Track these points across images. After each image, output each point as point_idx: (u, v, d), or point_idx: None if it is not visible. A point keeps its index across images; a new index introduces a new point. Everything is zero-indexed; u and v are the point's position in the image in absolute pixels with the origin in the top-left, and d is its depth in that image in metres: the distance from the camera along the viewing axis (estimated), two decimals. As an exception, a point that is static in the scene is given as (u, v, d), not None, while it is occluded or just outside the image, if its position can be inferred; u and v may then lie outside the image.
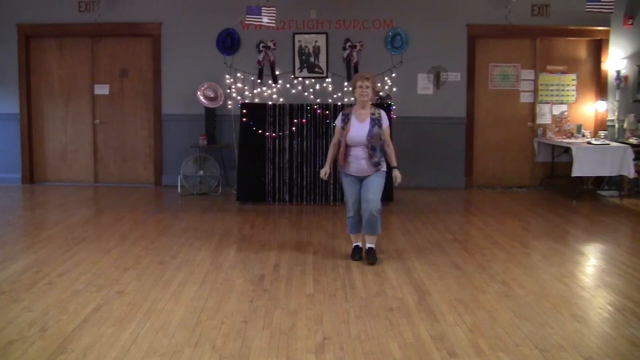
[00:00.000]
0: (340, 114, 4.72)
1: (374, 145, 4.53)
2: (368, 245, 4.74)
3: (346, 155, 4.59)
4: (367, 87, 4.55)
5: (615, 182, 7.90)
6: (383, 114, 4.63)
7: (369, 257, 4.68)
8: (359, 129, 4.55)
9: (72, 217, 6.33)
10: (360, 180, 4.63)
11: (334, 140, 4.78)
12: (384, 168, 4.63)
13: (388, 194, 7.01)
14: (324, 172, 4.78)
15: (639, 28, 8.20)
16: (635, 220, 6.51)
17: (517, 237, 5.60)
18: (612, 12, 6.85)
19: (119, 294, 3.90)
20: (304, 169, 7.10)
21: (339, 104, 7.23)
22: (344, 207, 6.89)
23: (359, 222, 4.74)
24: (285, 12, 7.97)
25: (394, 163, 4.67)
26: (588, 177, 7.73)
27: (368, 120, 4.56)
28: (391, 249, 5.10)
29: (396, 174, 4.61)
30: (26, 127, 8.51)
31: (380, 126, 4.56)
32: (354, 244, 4.85)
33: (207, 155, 7.93)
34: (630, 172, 7.17)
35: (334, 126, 4.81)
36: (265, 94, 8.20)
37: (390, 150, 4.66)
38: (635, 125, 7.95)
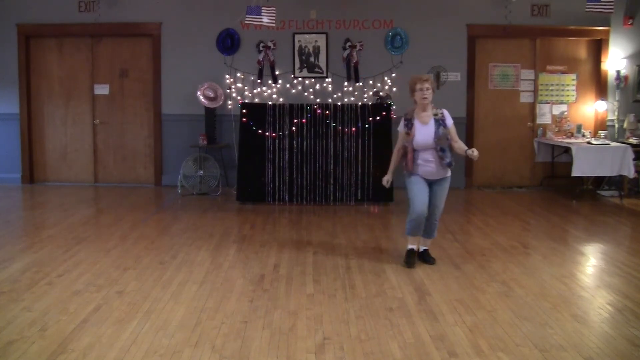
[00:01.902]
0: (402, 118, 4.56)
1: (442, 147, 4.41)
2: (424, 247, 4.73)
3: (414, 159, 4.46)
4: (428, 88, 4.39)
5: (615, 182, 7.90)
6: (446, 112, 4.50)
7: (427, 258, 4.68)
8: (424, 132, 4.42)
9: (72, 217, 6.33)
10: (429, 183, 4.50)
11: (398, 145, 4.63)
12: (449, 173, 4.52)
13: (388, 194, 7.04)
14: (387, 180, 4.67)
15: (639, 28, 8.20)
16: (635, 220, 6.51)
17: (517, 237, 5.60)
18: (612, 12, 6.86)
19: (119, 294, 3.90)
20: (304, 169, 7.10)
21: (339, 104, 7.23)
22: (344, 207, 6.96)
23: (422, 224, 4.54)
24: (285, 12, 7.97)
25: (465, 147, 4.42)
26: (588, 177, 7.73)
27: (432, 122, 4.42)
28: (391, 249, 5.10)
29: (474, 150, 4.30)
30: (26, 127, 8.51)
31: (445, 126, 4.42)
32: (410, 247, 4.67)
33: (207, 155, 7.93)
34: (630, 172, 7.17)
35: (398, 131, 4.61)
36: (265, 94, 8.20)
37: (459, 143, 4.47)
38: (635, 125, 7.96)
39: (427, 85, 4.40)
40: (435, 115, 4.47)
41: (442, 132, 4.42)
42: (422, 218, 4.48)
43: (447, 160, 4.44)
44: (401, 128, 4.56)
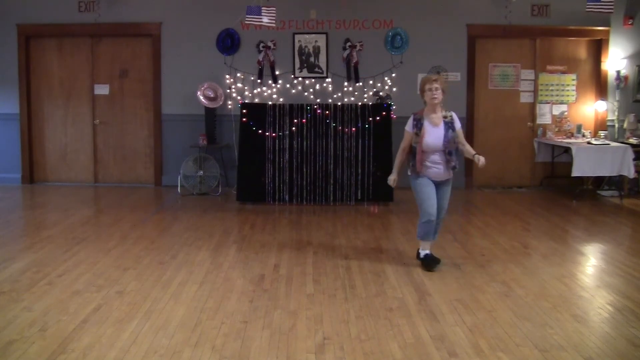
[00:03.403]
0: (411, 118, 4.50)
1: (450, 150, 4.40)
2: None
3: (424, 160, 4.42)
4: (437, 88, 4.35)
5: (615, 182, 7.90)
6: (454, 115, 4.50)
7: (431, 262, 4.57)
8: (434, 134, 4.39)
9: (72, 217, 6.33)
10: (436, 184, 4.48)
11: (403, 144, 4.57)
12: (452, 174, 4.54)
13: (388, 194, 7.04)
14: (392, 179, 4.64)
15: (639, 28, 8.20)
16: (635, 220, 6.51)
17: (517, 237, 5.60)
18: (612, 12, 6.84)
19: (119, 294, 3.90)
20: (304, 169, 7.10)
21: (339, 104, 7.23)
22: (344, 207, 6.96)
23: (433, 227, 4.51)
24: (285, 12, 7.97)
25: (473, 151, 4.48)
26: (588, 177, 7.73)
27: (442, 125, 4.40)
28: (391, 249, 5.10)
29: (480, 157, 4.34)
30: (26, 127, 8.51)
31: (453, 129, 4.43)
32: (425, 252, 4.56)
33: (207, 155, 7.93)
34: (630, 172, 7.17)
35: (406, 130, 4.55)
36: (265, 94, 8.20)
37: (467, 147, 4.53)
38: (635, 125, 7.96)
39: (436, 85, 4.36)
40: (445, 117, 4.45)
41: (452, 135, 4.42)
42: (434, 221, 4.46)
43: (453, 163, 4.44)
44: (410, 128, 4.50)
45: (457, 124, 4.49)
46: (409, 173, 4.58)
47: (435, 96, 4.37)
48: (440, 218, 4.60)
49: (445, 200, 4.54)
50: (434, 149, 4.40)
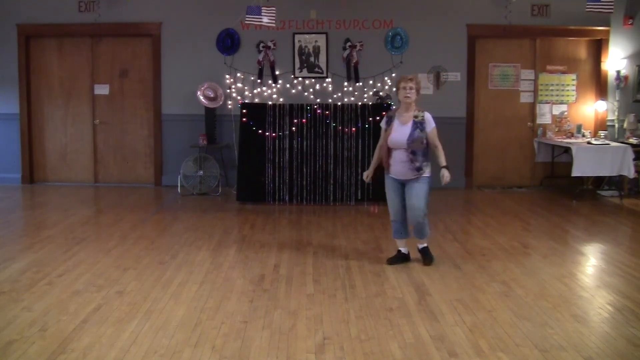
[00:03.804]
0: (385, 115, 4.60)
1: (414, 150, 4.38)
2: (420, 245, 4.67)
3: (389, 157, 4.46)
4: (411, 88, 4.37)
5: (615, 182, 7.90)
6: (427, 116, 4.46)
7: (424, 257, 4.63)
8: (400, 132, 4.40)
9: (72, 217, 6.33)
10: (403, 184, 4.50)
11: (380, 142, 4.64)
12: (427, 174, 4.47)
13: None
14: (366, 174, 4.69)
15: (639, 28, 8.20)
16: (635, 220, 6.51)
17: (517, 237, 5.60)
18: (612, 12, 6.85)
19: (119, 294, 3.90)
20: (304, 169, 7.10)
21: (339, 104, 7.23)
22: (344, 207, 6.96)
23: (402, 228, 4.61)
24: (285, 12, 7.97)
25: (443, 162, 4.48)
26: (588, 177, 7.73)
27: (410, 124, 4.40)
28: (391, 249, 5.09)
29: (444, 173, 4.41)
30: (26, 127, 8.51)
31: (422, 129, 4.39)
32: (398, 248, 4.71)
33: (207, 155, 7.93)
34: (630, 172, 7.17)
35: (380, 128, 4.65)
36: (265, 94, 8.20)
37: (439, 151, 4.48)
38: (635, 125, 7.96)
39: (410, 84, 4.39)
40: (415, 117, 4.43)
41: (418, 135, 4.38)
42: (398, 221, 4.56)
43: (418, 164, 4.40)
44: (382, 125, 4.59)
45: (429, 126, 4.44)
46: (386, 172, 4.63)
47: (408, 95, 4.39)
48: (417, 217, 4.48)
49: (413, 198, 4.45)
50: (398, 146, 4.42)
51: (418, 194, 4.45)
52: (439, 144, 4.50)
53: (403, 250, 4.69)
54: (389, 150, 4.46)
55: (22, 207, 7.18)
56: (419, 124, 4.41)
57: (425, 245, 4.69)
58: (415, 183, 4.45)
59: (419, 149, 4.41)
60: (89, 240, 5.36)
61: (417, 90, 4.44)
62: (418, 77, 4.53)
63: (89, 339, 3.18)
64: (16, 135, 8.51)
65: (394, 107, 7.25)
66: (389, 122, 4.50)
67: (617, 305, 3.74)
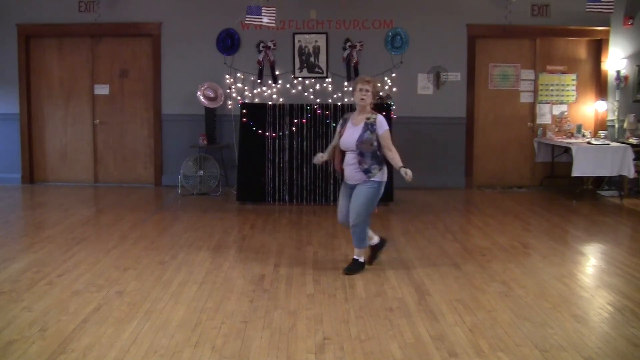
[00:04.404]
0: (342, 117, 4.58)
1: (363, 152, 4.29)
2: (355, 257, 4.51)
3: (342, 162, 4.43)
4: (367, 90, 4.33)
5: (615, 182, 7.90)
6: (380, 118, 4.35)
7: (348, 265, 4.46)
8: (350, 133, 4.35)
9: (72, 217, 6.33)
10: (352, 188, 4.41)
11: (333, 142, 4.62)
12: (376, 178, 4.32)
13: (388, 194, 7.02)
14: (320, 155, 4.59)
15: (639, 28, 8.20)
16: (635, 220, 6.51)
17: (517, 237, 5.60)
18: (612, 12, 6.86)
19: (119, 294, 3.90)
20: (304, 169, 7.10)
21: (339, 104, 7.23)
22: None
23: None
24: (285, 12, 7.97)
25: (400, 163, 4.27)
26: (588, 177, 7.73)
27: (361, 125, 4.33)
28: (391, 249, 5.09)
29: (405, 172, 4.17)
30: (26, 127, 8.51)
31: (372, 131, 4.29)
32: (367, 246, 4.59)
33: (207, 155, 7.93)
34: (630, 172, 7.17)
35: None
36: (265, 94, 8.20)
37: (392, 154, 4.31)
38: (635, 125, 7.95)
39: (367, 87, 4.33)
40: (367, 119, 4.36)
41: (367, 136, 4.30)
42: (345, 227, 4.50)
43: (366, 166, 4.29)
44: (338, 126, 4.55)
45: (381, 129, 4.33)
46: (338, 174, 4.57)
47: (364, 97, 4.34)
48: (352, 219, 4.34)
49: (354, 204, 4.32)
50: (348, 148, 4.37)
51: (359, 202, 4.31)
52: (392, 148, 4.34)
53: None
54: (342, 154, 4.42)
55: (22, 207, 7.19)
56: (369, 126, 4.32)
57: (355, 257, 4.48)
58: (363, 187, 4.32)
59: (367, 151, 4.30)
60: (89, 240, 5.36)
61: (374, 94, 4.39)
62: (376, 80, 4.48)
63: (89, 339, 3.18)
64: (16, 135, 8.52)
65: (394, 107, 7.27)
66: (343, 124, 4.46)
67: (617, 305, 3.74)
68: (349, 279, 4.26)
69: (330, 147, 4.67)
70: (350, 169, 4.36)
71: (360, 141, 4.30)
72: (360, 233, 4.39)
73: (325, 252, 5.00)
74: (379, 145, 4.33)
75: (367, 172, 4.30)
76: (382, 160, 4.37)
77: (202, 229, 5.86)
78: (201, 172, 7.85)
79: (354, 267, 4.44)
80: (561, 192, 8.03)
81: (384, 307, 3.71)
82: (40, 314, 3.53)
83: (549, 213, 6.73)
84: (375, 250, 4.64)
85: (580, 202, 7.40)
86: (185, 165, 7.89)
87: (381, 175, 4.36)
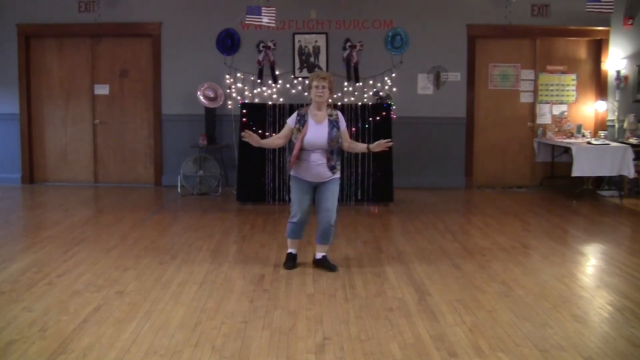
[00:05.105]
0: (295, 113, 4.44)
1: (332, 149, 4.32)
2: (320, 254, 4.52)
3: (300, 159, 4.32)
4: (324, 87, 4.29)
5: (615, 182, 7.90)
6: (340, 115, 4.42)
7: (325, 266, 4.48)
8: (317, 131, 4.30)
9: (72, 217, 6.33)
10: (314, 186, 4.38)
11: (280, 134, 4.53)
12: (338, 174, 4.42)
13: (388, 194, 7.04)
14: (248, 134, 4.41)
15: (639, 28, 8.20)
16: (635, 220, 6.51)
17: (517, 237, 5.60)
18: (612, 12, 6.86)
19: (119, 294, 3.90)
20: (304, 169, 7.09)
21: (339, 104, 7.23)
22: (344, 207, 6.94)
23: (301, 229, 4.50)
24: (285, 12, 7.97)
25: (364, 145, 4.56)
26: (588, 177, 7.73)
27: (326, 123, 4.32)
28: (391, 249, 5.10)
29: (377, 144, 4.32)
30: (26, 127, 8.51)
31: (338, 128, 4.34)
32: (289, 250, 4.59)
33: (207, 155, 7.93)
34: (630, 172, 7.17)
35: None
36: (265, 94, 8.20)
37: (353, 144, 4.55)
38: (635, 125, 7.95)
39: (323, 84, 4.30)
40: (330, 115, 4.37)
41: (335, 134, 4.32)
42: (300, 223, 4.45)
43: (333, 162, 4.34)
44: (292, 122, 4.40)
45: (342, 124, 4.40)
46: (288, 170, 4.52)
47: (321, 94, 4.30)
48: (327, 220, 4.38)
49: (330, 201, 4.36)
50: (317, 147, 4.31)
51: (334, 197, 4.36)
52: (349, 139, 4.52)
53: (294, 251, 4.60)
54: (301, 151, 4.32)
55: (22, 207, 7.18)
56: (334, 123, 4.35)
57: (324, 254, 4.53)
58: (330, 184, 4.36)
59: (335, 148, 4.36)
60: (89, 240, 5.36)
61: (330, 90, 4.37)
62: (332, 76, 4.46)
63: (89, 339, 3.18)
64: (16, 135, 8.52)
65: (394, 107, 7.27)
66: (302, 122, 4.35)
67: (617, 305, 3.74)
68: (349, 279, 4.26)
69: (270, 139, 4.69)
70: (319, 168, 4.33)
71: (331, 139, 4.32)
72: (333, 230, 4.49)
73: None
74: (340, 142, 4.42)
75: (332, 168, 4.37)
76: (340, 156, 4.48)
77: (202, 229, 5.86)
78: (201, 172, 7.85)
79: (330, 264, 4.51)
80: (561, 192, 8.03)
81: (384, 307, 3.71)
82: (40, 314, 3.53)
83: (549, 213, 6.73)
84: (294, 259, 4.60)
85: (580, 202, 7.40)
86: (185, 165, 7.89)
87: (339, 171, 4.48)
